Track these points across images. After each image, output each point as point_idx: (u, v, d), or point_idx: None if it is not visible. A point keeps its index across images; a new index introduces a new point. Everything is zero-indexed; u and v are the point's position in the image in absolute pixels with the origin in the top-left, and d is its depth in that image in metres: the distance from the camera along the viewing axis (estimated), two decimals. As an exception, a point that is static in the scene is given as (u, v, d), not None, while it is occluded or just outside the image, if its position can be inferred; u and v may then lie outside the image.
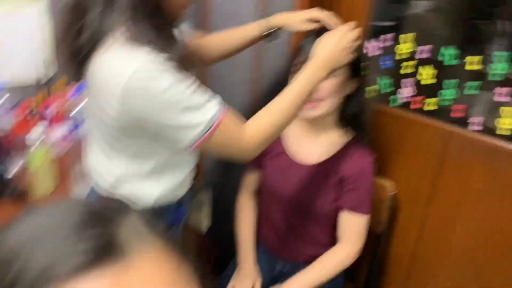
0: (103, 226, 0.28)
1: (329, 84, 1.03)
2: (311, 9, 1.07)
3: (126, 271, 0.27)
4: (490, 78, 1.09)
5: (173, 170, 0.94)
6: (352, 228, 1.14)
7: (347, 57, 0.97)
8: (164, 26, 0.77)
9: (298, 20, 1.05)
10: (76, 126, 1.13)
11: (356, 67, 1.04)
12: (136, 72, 0.70)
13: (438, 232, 1.27)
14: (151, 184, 0.91)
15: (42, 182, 1.15)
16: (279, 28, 1.10)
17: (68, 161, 1.36)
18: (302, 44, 1.07)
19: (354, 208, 1.12)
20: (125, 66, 0.70)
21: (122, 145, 0.85)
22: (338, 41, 0.93)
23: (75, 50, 0.75)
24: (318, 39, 0.96)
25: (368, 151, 1.14)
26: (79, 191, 1.21)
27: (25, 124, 1.32)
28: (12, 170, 1.19)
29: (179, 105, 0.74)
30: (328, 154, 1.13)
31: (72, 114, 1.10)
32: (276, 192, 1.17)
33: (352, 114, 1.11)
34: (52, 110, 1.42)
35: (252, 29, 1.11)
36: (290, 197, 1.14)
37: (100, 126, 0.83)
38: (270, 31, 1.10)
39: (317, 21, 1.04)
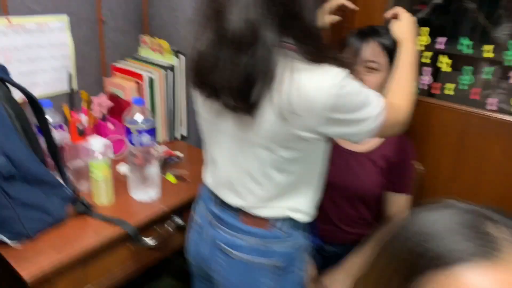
0: (484, 227, 0.38)
1: (375, 79, 1.14)
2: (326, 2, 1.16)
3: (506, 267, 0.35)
4: (506, 63, 1.24)
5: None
6: (399, 208, 1.26)
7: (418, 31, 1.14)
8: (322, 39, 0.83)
9: (322, 15, 1.15)
10: (131, 137, 1.15)
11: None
12: (338, 82, 0.75)
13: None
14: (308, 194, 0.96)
15: (104, 192, 1.17)
16: None
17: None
18: (348, 39, 1.18)
19: (401, 189, 1.24)
20: (328, 79, 0.75)
21: (290, 163, 0.87)
22: (412, 21, 1.09)
23: (246, 77, 0.75)
24: (393, 26, 1.11)
25: (407, 137, 1.26)
26: (140, 197, 1.23)
27: (77, 136, 1.33)
28: (78, 183, 1.20)
29: (365, 101, 0.81)
30: (375, 143, 1.24)
31: (130, 126, 1.12)
32: (328, 179, 1.26)
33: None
34: (85, 122, 1.41)
35: None
36: (340, 183, 1.24)
37: (267, 149, 0.84)
38: None
39: (338, 10, 1.17)
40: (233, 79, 0.75)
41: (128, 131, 1.16)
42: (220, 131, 0.91)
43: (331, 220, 1.30)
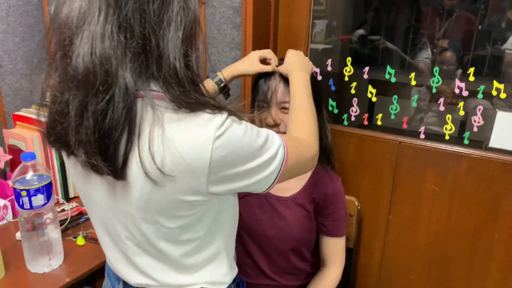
0: None
1: None
2: (255, 51, 1.11)
3: None
4: (434, 90, 1.19)
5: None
6: (335, 251, 1.16)
7: (310, 63, 1.08)
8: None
9: (251, 64, 1.09)
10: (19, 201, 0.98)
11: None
12: (219, 132, 0.61)
13: (402, 236, 1.35)
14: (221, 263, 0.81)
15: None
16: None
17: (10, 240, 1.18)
18: (257, 83, 1.11)
19: (334, 233, 1.14)
20: (206, 131, 0.61)
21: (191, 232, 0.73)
22: (297, 53, 1.08)
23: (101, 130, 0.59)
24: (283, 61, 1.06)
25: (335, 174, 1.17)
26: (36, 269, 1.05)
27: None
28: None
29: (256, 146, 0.68)
30: (300, 185, 1.14)
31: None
32: (254, 229, 1.14)
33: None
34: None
35: (208, 86, 1.07)
36: (269, 233, 1.12)
37: (144, 220, 0.68)
38: (224, 85, 1.09)
39: (264, 59, 1.11)
40: (86, 133, 0.59)
41: (17, 193, 0.99)
42: (92, 199, 0.74)
43: (264, 274, 1.17)
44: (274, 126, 1.08)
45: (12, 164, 1.37)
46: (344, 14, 1.89)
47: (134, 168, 0.62)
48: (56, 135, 0.64)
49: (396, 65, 1.29)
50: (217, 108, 0.63)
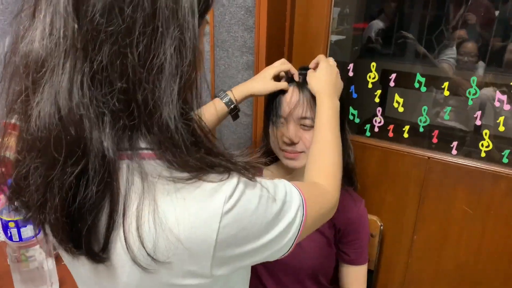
0: None
1: (310, 135, 0.93)
2: (268, 67, 0.99)
3: None
4: (470, 103, 1.06)
5: None
6: (356, 280, 1.05)
7: (342, 83, 0.95)
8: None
9: (265, 83, 0.96)
10: None
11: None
12: (228, 206, 0.49)
13: (426, 258, 1.24)
14: None
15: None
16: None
17: None
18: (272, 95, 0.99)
19: (356, 261, 1.04)
20: (211, 206, 0.48)
21: None
22: (330, 69, 0.93)
23: (73, 218, 0.47)
24: (308, 78, 0.93)
25: (358, 196, 1.06)
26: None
27: None
28: None
29: (272, 214, 0.56)
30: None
31: None
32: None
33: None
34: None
35: (217, 107, 0.95)
36: (285, 261, 1.02)
37: None
38: (235, 107, 0.97)
39: (279, 76, 0.99)
40: (51, 215, 0.46)
41: (4, 224, 0.89)
42: (79, 276, 0.62)
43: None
44: (291, 144, 0.96)
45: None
46: (357, 1, 1.75)
47: (119, 252, 0.49)
48: (22, 202, 0.52)
49: (424, 71, 1.15)
50: (226, 169, 0.50)
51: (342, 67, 1.18)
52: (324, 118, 0.83)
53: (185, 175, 0.48)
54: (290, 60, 1.28)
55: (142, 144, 0.48)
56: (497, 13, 1.31)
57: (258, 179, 0.55)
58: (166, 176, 0.48)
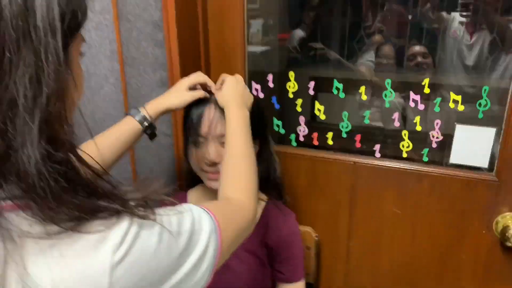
0: None
1: None
2: (183, 79, 0.94)
3: None
4: (387, 105, 1.07)
5: None
6: (294, 299, 1.01)
7: (250, 94, 0.94)
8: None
9: (179, 95, 0.90)
10: None
11: (253, 128, 0.88)
12: (115, 262, 0.41)
13: (364, 263, 1.23)
14: None
15: None
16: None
17: None
18: (189, 113, 0.93)
19: (293, 278, 0.99)
20: (90, 268, 0.40)
21: None
22: (237, 81, 0.91)
23: None
24: (216, 95, 0.89)
25: (288, 211, 1.02)
26: None
27: None
28: None
29: (178, 251, 0.49)
30: (250, 227, 0.97)
31: None
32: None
33: (262, 178, 0.98)
34: None
35: (129, 126, 0.86)
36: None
37: None
38: (149, 124, 0.89)
39: (194, 87, 0.93)
40: None
41: None
42: None
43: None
44: (213, 165, 0.90)
45: None
46: (279, 11, 1.76)
47: None
48: None
49: (342, 77, 1.16)
50: (113, 212, 0.43)
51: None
52: (233, 128, 0.80)
53: (58, 228, 0.39)
54: (208, 74, 1.23)
55: (3, 193, 0.39)
56: (410, 17, 1.36)
57: (158, 213, 0.48)
58: (37, 231, 0.39)
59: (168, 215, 0.49)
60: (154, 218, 0.46)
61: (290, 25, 1.75)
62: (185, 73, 1.08)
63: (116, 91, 1.14)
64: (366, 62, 1.52)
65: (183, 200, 1.05)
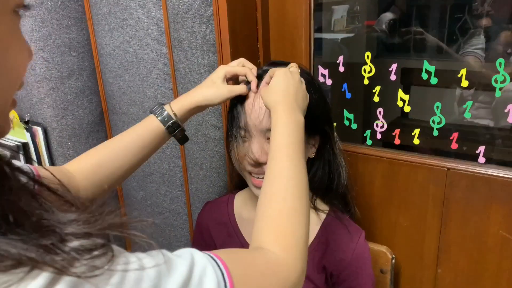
0: None
1: None
2: (220, 67, 0.77)
3: None
4: (497, 94, 0.80)
5: None
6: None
7: (307, 94, 0.70)
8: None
9: (212, 88, 0.73)
10: None
11: (311, 120, 0.69)
12: None
13: (457, 298, 0.96)
14: None
15: None
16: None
17: None
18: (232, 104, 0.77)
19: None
20: None
21: None
22: (286, 77, 0.68)
23: None
24: (261, 92, 0.70)
25: (355, 228, 0.81)
26: None
27: None
28: None
29: None
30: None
31: None
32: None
33: (322, 184, 0.78)
34: None
35: (150, 127, 0.72)
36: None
37: None
38: (175, 124, 0.73)
39: (234, 77, 0.77)
40: None
41: None
42: None
43: None
44: (258, 165, 0.73)
45: None
46: None
47: None
48: None
49: (436, 60, 0.90)
50: (34, 262, 0.26)
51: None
52: (278, 141, 0.59)
53: None
54: (268, 58, 1.05)
55: None
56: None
57: (122, 262, 0.31)
58: None
59: (140, 270, 0.32)
60: (109, 273, 0.30)
61: (379, 10, 1.54)
62: (237, 55, 0.92)
63: (165, 77, 1.02)
64: (474, 51, 1.21)
65: (230, 205, 0.90)
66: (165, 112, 0.71)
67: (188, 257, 0.38)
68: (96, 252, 0.29)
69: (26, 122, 1.07)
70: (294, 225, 0.50)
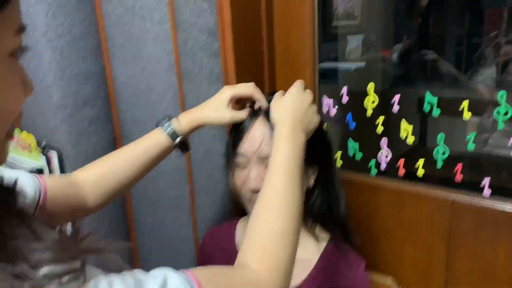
0: None
1: None
2: (226, 88, 0.78)
3: None
4: (500, 126, 0.79)
5: None
6: None
7: (316, 116, 0.71)
8: None
9: (216, 111, 0.75)
10: None
11: (311, 148, 0.69)
12: None
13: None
14: None
15: None
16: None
17: None
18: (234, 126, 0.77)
19: None
20: None
21: None
22: (299, 96, 0.69)
23: None
24: (272, 103, 0.70)
25: (354, 257, 0.80)
26: None
27: None
28: None
29: None
30: (303, 274, 0.77)
31: None
32: None
33: (321, 212, 0.78)
34: None
35: (157, 141, 0.75)
36: None
37: None
38: (181, 140, 0.76)
39: (241, 99, 0.78)
40: None
41: None
42: None
43: None
44: (256, 192, 0.74)
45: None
46: (383, 26, 1.58)
47: None
48: None
49: (441, 90, 0.91)
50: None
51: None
52: (277, 161, 0.60)
53: None
54: (274, 88, 1.08)
55: None
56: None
57: (91, 285, 0.33)
58: None
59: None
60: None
61: (394, 40, 1.58)
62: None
63: (175, 106, 1.06)
64: (484, 80, 1.21)
65: (233, 230, 0.91)
66: (171, 128, 0.75)
67: (161, 277, 0.39)
68: (66, 278, 0.31)
69: (43, 147, 1.12)
70: (281, 247, 0.51)
